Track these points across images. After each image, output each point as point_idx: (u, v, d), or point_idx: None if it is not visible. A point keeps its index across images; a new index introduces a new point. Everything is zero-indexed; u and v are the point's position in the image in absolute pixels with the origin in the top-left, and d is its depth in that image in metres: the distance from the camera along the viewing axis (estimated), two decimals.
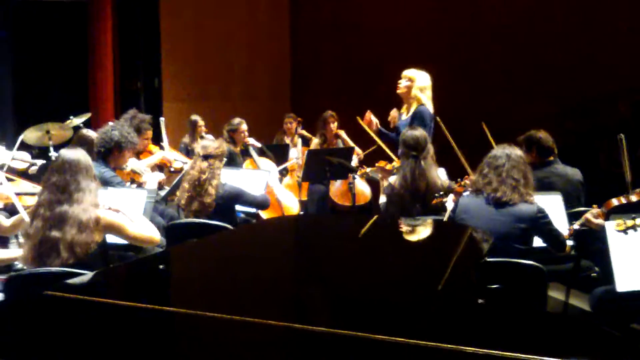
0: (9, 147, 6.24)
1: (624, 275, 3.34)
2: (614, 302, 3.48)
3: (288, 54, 9.95)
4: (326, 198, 6.52)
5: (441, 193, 4.40)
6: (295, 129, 7.68)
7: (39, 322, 2.29)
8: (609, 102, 7.70)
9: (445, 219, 4.22)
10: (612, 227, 3.45)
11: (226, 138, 6.48)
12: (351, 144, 6.83)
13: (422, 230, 4.01)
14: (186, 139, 7.29)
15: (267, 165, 6.51)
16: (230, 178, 4.81)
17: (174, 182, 5.05)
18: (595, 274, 4.25)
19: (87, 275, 2.92)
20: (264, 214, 5.54)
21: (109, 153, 4.72)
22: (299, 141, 7.54)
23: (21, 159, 6.02)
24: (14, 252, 3.65)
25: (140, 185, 4.98)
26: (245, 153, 6.71)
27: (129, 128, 5.04)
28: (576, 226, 3.91)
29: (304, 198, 6.59)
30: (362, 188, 6.48)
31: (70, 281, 2.85)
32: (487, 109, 5.51)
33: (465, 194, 4.16)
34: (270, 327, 2.10)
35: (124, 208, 3.50)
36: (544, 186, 4.46)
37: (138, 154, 5.55)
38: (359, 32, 9.14)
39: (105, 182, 4.20)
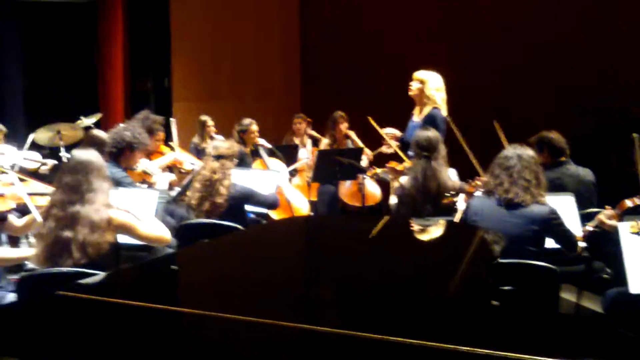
0: (20, 147, 6.27)
1: (637, 277, 3.32)
2: (627, 304, 3.45)
3: (298, 54, 9.94)
4: (336, 199, 6.52)
5: (452, 193, 4.39)
6: (304, 129, 7.68)
7: (51, 322, 2.29)
8: (620, 101, 7.67)
9: (456, 219, 4.21)
10: (625, 229, 3.42)
11: (236, 138, 6.48)
12: (361, 144, 6.82)
13: (434, 231, 4.00)
14: (196, 139, 7.30)
15: (276, 165, 6.50)
16: (241, 178, 4.81)
17: (185, 182, 5.05)
18: (607, 276, 4.23)
19: (99, 276, 2.93)
20: (274, 215, 5.54)
21: (120, 153, 4.74)
22: (309, 142, 7.54)
23: (32, 159, 6.05)
24: (26, 251, 3.67)
25: (151, 185, 4.99)
26: (255, 153, 6.71)
27: (141, 129, 5.05)
28: (589, 227, 3.88)
29: (314, 199, 6.59)
30: (372, 189, 6.47)
31: (82, 281, 2.86)
32: (498, 109, 5.48)
33: (476, 194, 4.15)
34: (281, 328, 2.10)
35: (134, 208, 3.51)
36: (556, 187, 4.43)
37: (149, 155, 5.56)
38: (369, 32, 9.13)
39: (117, 183, 4.20)
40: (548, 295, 3.45)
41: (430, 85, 5.48)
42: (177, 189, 5.25)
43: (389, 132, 5.73)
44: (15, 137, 6.73)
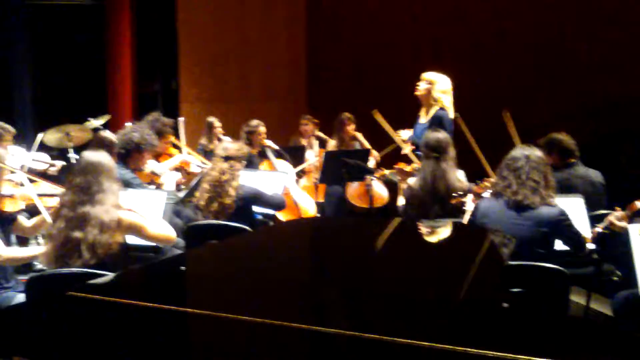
0: (29, 148, 6.29)
1: None
2: (637, 307, 3.43)
3: (304, 56, 9.94)
4: (343, 200, 6.51)
5: (460, 193, 4.37)
6: (311, 131, 7.68)
7: (61, 322, 2.30)
8: (630, 103, 7.64)
9: (464, 221, 4.20)
10: (635, 230, 3.41)
11: (244, 140, 6.48)
12: (368, 146, 6.81)
13: (443, 233, 3.98)
14: (203, 141, 7.30)
15: (284, 167, 6.51)
16: (248, 180, 4.82)
17: (193, 183, 5.06)
18: (617, 278, 4.20)
19: (109, 276, 2.93)
20: (281, 216, 5.54)
21: (128, 154, 4.76)
22: (316, 143, 7.54)
23: (40, 160, 6.07)
24: (35, 249, 3.68)
25: (159, 186, 5.00)
26: (263, 155, 6.72)
27: (149, 130, 5.07)
28: (599, 229, 3.86)
29: (321, 200, 6.59)
30: (380, 190, 6.46)
31: (92, 282, 2.86)
32: (509, 109, 5.46)
33: (484, 195, 4.13)
34: (288, 329, 2.10)
35: (142, 208, 3.52)
36: (565, 188, 4.42)
37: (157, 157, 5.57)
38: (376, 33, 9.12)
39: (126, 184, 4.22)
40: (558, 297, 3.43)
41: (438, 87, 5.46)
42: (185, 190, 5.26)
43: (401, 134, 5.72)
44: (24, 139, 6.75)
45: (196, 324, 2.27)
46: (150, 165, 5.04)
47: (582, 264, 4.11)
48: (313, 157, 6.98)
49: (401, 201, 4.82)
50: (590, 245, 3.90)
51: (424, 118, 5.57)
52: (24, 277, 3.82)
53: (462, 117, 5.40)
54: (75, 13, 9.61)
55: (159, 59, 9.78)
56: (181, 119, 6.55)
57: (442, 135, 4.65)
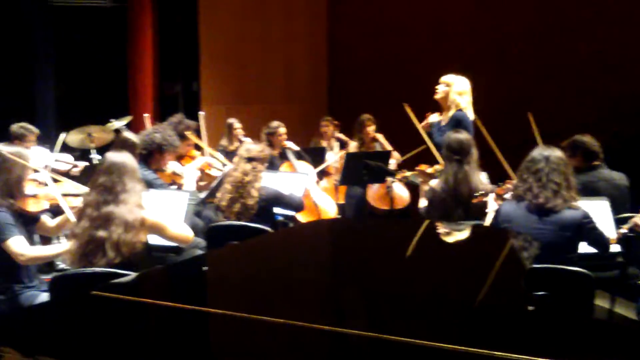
0: (52, 149, 6.35)
1: None
2: None
3: (325, 57, 9.95)
4: (364, 201, 6.50)
5: (482, 192, 4.33)
6: (332, 132, 7.67)
7: (84, 322, 2.31)
8: None
9: (486, 222, 4.16)
10: None
11: (264, 141, 6.49)
12: (389, 147, 6.79)
13: (465, 235, 3.96)
14: (224, 142, 7.32)
15: (304, 168, 6.50)
16: (269, 181, 4.82)
17: (214, 184, 5.07)
18: None
19: (131, 276, 2.95)
20: (302, 217, 5.54)
21: (150, 155, 4.80)
22: (336, 144, 7.53)
23: (64, 161, 6.12)
24: (59, 247, 3.71)
25: (180, 187, 5.02)
26: (283, 156, 6.72)
27: (172, 131, 5.09)
28: (623, 230, 3.81)
29: (342, 201, 6.57)
30: (400, 192, 6.43)
31: (115, 281, 2.88)
32: (532, 111, 5.41)
33: (506, 196, 4.09)
34: (308, 330, 2.09)
35: (162, 208, 3.55)
36: (590, 191, 4.36)
37: (180, 159, 5.59)
38: (397, 34, 9.10)
39: (148, 184, 4.23)
40: (582, 300, 3.39)
41: (455, 89, 5.44)
42: (206, 191, 5.27)
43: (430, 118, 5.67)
44: (47, 139, 6.81)
45: (217, 324, 2.27)
46: (171, 166, 5.06)
47: (606, 267, 4.06)
48: (333, 158, 6.97)
49: (422, 203, 4.79)
50: (615, 247, 3.85)
51: (444, 121, 5.55)
52: (47, 277, 3.86)
53: (482, 120, 5.35)
54: (98, 15, 9.68)
55: (180, 60, 9.83)
56: (201, 113, 6.55)
57: (463, 136, 4.61)
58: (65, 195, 3.93)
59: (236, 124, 7.27)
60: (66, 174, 5.61)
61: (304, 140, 7.61)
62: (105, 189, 3.30)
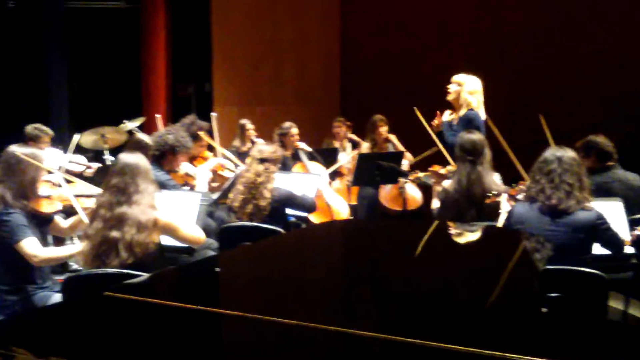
0: (65, 150, 6.38)
1: None
2: None
3: (338, 58, 9.94)
4: (376, 202, 6.49)
5: (494, 193, 4.30)
6: (344, 133, 7.66)
7: (97, 322, 2.32)
8: None
9: (499, 224, 4.14)
10: None
11: (277, 142, 6.49)
12: (401, 148, 6.77)
13: (477, 237, 3.94)
14: (236, 143, 7.33)
15: (316, 169, 6.50)
16: (281, 182, 4.82)
17: (226, 185, 5.08)
18: None
19: (144, 277, 2.95)
20: (314, 218, 5.54)
21: (163, 156, 4.81)
22: (349, 145, 7.52)
23: (77, 162, 6.15)
24: (73, 248, 3.73)
25: (192, 188, 5.03)
26: (296, 157, 6.72)
27: (184, 132, 5.11)
28: (638, 232, 3.78)
29: (354, 202, 6.56)
30: (413, 193, 6.41)
31: (128, 282, 2.89)
32: (545, 112, 5.38)
33: (518, 197, 4.07)
34: (320, 331, 2.09)
35: (174, 209, 3.56)
36: (604, 192, 4.32)
37: (192, 160, 5.61)
38: (410, 34, 9.09)
39: (161, 185, 4.25)
40: (596, 302, 3.36)
41: (467, 88, 5.42)
42: (219, 192, 5.28)
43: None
44: (61, 140, 6.85)
45: (230, 325, 2.27)
46: (184, 167, 5.08)
47: (620, 268, 4.02)
48: (346, 159, 6.97)
49: (435, 204, 4.77)
50: (629, 249, 3.81)
51: (455, 121, 5.53)
52: (60, 277, 3.88)
53: (494, 120, 5.33)
54: (111, 16, 9.73)
55: (193, 61, 9.86)
56: (214, 115, 6.56)
57: (477, 137, 4.58)
58: (78, 196, 3.95)
59: (248, 125, 7.28)
60: (80, 175, 5.65)
61: (316, 141, 7.61)
62: (118, 190, 3.31)
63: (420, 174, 5.59)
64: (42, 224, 3.72)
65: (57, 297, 3.57)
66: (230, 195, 4.70)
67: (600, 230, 3.58)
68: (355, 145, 7.46)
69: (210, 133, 6.16)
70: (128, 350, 2.05)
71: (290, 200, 4.74)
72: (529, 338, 2.17)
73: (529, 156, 4.08)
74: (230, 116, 8.33)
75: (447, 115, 5.57)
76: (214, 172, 5.52)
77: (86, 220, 3.54)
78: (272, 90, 9.54)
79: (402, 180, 5.94)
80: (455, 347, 1.91)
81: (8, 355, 1.97)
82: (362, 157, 6.15)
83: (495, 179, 4.57)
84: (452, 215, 4.47)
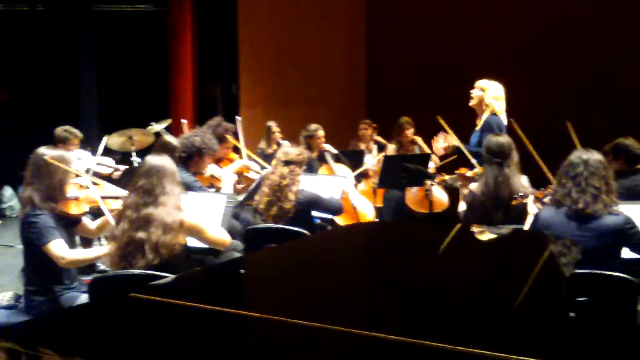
0: (94, 152, 6.45)
1: None
2: None
3: (364, 60, 9.94)
4: (402, 205, 6.46)
5: (521, 194, 4.26)
6: (370, 135, 7.65)
7: (123, 324, 2.33)
8: None
9: (526, 226, 4.10)
10: None
11: (303, 144, 6.50)
12: (428, 150, 6.73)
13: (504, 239, 3.90)
14: (262, 145, 7.36)
15: (342, 171, 6.49)
16: (307, 184, 4.82)
17: (252, 187, 5.09)
18: None
19: (170, 278, 2.97)
20: (340, 220, 5.53)
21: (189, 158, 4.84)
22: (375, 147, 7.50)
23: (106, 164, 6.21)
24: (98, 250, 3.76)
25: (218, 190, 5.05)
26: (321, 159, 6.71)
27: (211, 134, 5.14)
28: None
29: (380, 204, 6.54)
30: (439, 195, 6.38)
31: (153, 283, 2.90)
32: (571, 114, 5.33)
33: (545, 199, 4.02)
34: (345, 335, 2.09)
35: (200, 211, 3.57)
36: (633, 195, 4.26)
37: (218, 162, 5.63)
38: (436, 36, 9.04)
39: (187, 187, 4.27)
40: (625, 307, 3.31)
41: (489, 94, 5.46)
42: (245, 194, 5.30)
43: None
44: (89, 143, 6.93)
45: (254, 327, 2.28)
46: (210, 169, 5.10)
47: None
48: (372, 161, 6.95)
49: (462, 207, 4.74)
50: None
51: (477, 125, 5.55)
52: (87, 278, 3.91)
53: (520, 124, 5.28)
54: (139, 19, 9.83)
55: (219, 63, 9.92)
56: (238, 119, 6.60)
57: (504, 139, 4.54)
58: (105, 197, 3.98)
59: (274, 127, 7.30)
60: (107, 178, 5.70)
61: (342, 142, 7.60)
62: (145, 192, 3.33)
63: (447, 177, 5.57)
64: (69, 225, 3.75)
65: (84, 298, 3.59)
66: (256, 198, 4.71)
67: (628, 234, 3.52)
68: (381, 148, 7.44)
69: (236, 135, 6.18)
70: (153, 351, 2.06)
71: (316, 203, 4.73)
72: (557, 342, 2.15)
73: (556, 160, 4.04)
74: (256, 118, 8.36)
75: (441, 142, 5.57)
76: (240, 174, 5.54)
77: (113, 221, 3.57)
78: (298, 92, 9.55)
79: (428, 182, 5.91)
80: (482, 351, 1.90)
81: (35, 356, 1.99)
82: (388, 159, 6.13)
83: (523, 182, 4.53)
84: (479, 218, 4.44)
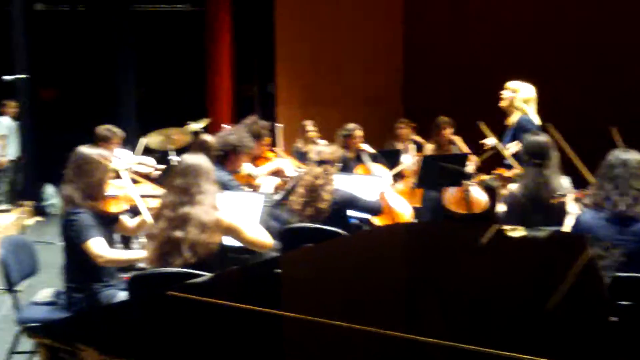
0: (132, 150, 6.53)
1: None
2: None
3: (401, 59, 9.89)
4: (440, 205, 6.40)
5: (560, 193, 4.18)
6: (408, 134, 7.59)
7: (160, 321, 2.34)
8: None
9: (566, 227, 4.02)
10: None
11: (340, 143, 6.47)
12: (466, 150, 6.66)
13: (543, 241, 3.83)
14: (299, 144, 7.36)
15: (379, 171, 6.45)
16: (344, 183, 4.80)
17: (288, 186, 5.09)
18: None
19: (206, 277, 2.98)
20: (377, 220, 5.49)
21: (225, 157, 4.85)
22: (412, 147, 7.44)
23: (146, 164, 6.27)
24: (136, 253, 3.79)
25: (255, 189, 5.06)
26: (358, 159, 6.68)
27: (247, 133, 5.14)
28: None
29: (417, 205, 6.48)
30: (478, 196, 6.29)
31: (190, 282, 2.91)
32: (612, 115, 5.24)
33: (585, 200, 3.94)
34: (380, 336, 2.06)
35: (237, 210, 3.56)
36: None
37: (254, 160, 5.64)
38: (474, 35, 8.96)
39: (224, 186, 4.28)
40: None
41: (520, 95, 5.44)
42: (281, 194, 5.30)
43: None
44: (129, 142, 7.01)
45: (290, 327, 2.27)
46: (246, 167, 5.11)
47: None
48: (409, 161, 6.89)
49: (501, 208, 4.67)
50: None
51: (509, 126, 5.50)
52: (126, 275, 3.94)
53: (556, 124, 5.20)
54: (177, 19, 9.92)
55: (256, 63, 9.96)
56: (279, 126, 6.61)
57: (543, 139, 4.47)
58: (144, 196, 4.02)
59: (310, 126, 7.29)
60: (147, 176, 5.75)
61: (379, 142, 7.57)
62: (181, 191, 3.35)
63: (486, 177, 5.50)
64: (108, 223, 3.80)
65: (122, 295, 3.63)
66: (292, 198, 4.70)
67: None
68: (419, 147, 7.39)
69: (271, 132, 6.19)
70: (189, 349, 2.07)
71: (352, 202, 4.71)
72: (598, 347, 2.10)
73: (597, 161, 3.96)
74: (292, 117, 8.37)
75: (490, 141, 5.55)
76: (277, 172, 5.54)
77: (150, 220, 3.59)
78: (335, 91, 9.54)
79: (466, 182, 5.83)
80: (521, 355, 1.86)
81: (72, 352, 2.01)
82: (426, 159, 6.08)
83: (564, 183, 4.44)
84: (518, 220, 4.37)
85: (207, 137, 5.40)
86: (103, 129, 6.14)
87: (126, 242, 5.43)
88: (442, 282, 2.87)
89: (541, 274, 3.05)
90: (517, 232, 4.08)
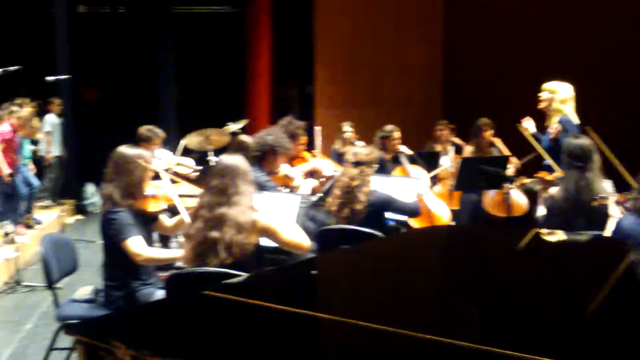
0: (172, 151, 6.59)
1: None
2: None
3: (440, 60, 9.82)
4: (479, 208, 6.33)
5: (602, 196, 4.10)
6: (446, 136, 7.53)
7: (196, 320, 2.35)
8: None
9: (607, 231, 3.94)
10: None
11: (378, 145, 6.45)
12: (507, 152, 6.58)
13: (583, 246, 3.76)
14: (337, 145, 7.36)
15: (418, 173, 6.40)
16: (381, 185, 4.77)
17: (325, 188, 5.09)
18: None
19: (242, 277, 2.99)
20: (414, 222, 5.45)
21: (263, 157, 4.86)
22: (451, 149, 7.37)
23: (186, 165, 6.33)
24: (175, 252, 3.81)
25: (292, 189, 5.06)
26: (396, 161, 6.64)
27: (283, 133, 5.15)
28: None
29: (456, 207, 6.42)
30: (518, 199, 6.21)
31: (226, 282, 2.92)
32: None
33: (626, 204, 3.85)
34: (415, 340, 2.05)
35: (274, 211, 3.56)
36: None
37: (291, 160, 5.65)
38: (514, 37, 8.85)
39: (261, 186, 4.29)
40: None
41: (559, 96, 5.38)
42: (318, 195, 5.30)
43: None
44: (168, 142, 7.09)
45: (325, 329, 2.26)
46: (283, 168, 5.12)
47: None
48: (448, 163, 6.83)
49: (541, 211, 4.59)
50: None
51: (549, 128, 5.41)
52: (164, 274, 3.98)
53: (596, 127, 5.10)
54: (217, 20, 10.00)
55: (295, 64, 9.98)
56: (317, 128, 6.61)
57: (585, 141, 4.39)
58: (182, 196, 4.05)
59: (347, 127, 7.28)
60: (185, 177, 5.80)
61: (418, 144, 7.51)
62: (219, 191, 3.36)
63: (526, 180, 5.42)
64: (147, 222, 3.83)
65: (160, 294, 3.66)
66: (328, 199, 4.69)
67: None
68: (458, 149, 7.32)
69: (308, 132, 6.19)
70: (224, 349, 2.07)
71: (389, 204, 4.68)
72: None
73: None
74: (331, 118, 8.37)
75: (530, 124, 5.47)
76: (316, 173, 5.53)
77: (188, 220, 3.62)
78: (374, 93, 9.51)
79: (506, 185, 5.75)
80: None
81: (109, 350, 2.03)
82: (465, 161, 6.01)
83: (606, 187, 4.35)
84: (559, 224, 4.29)
85: (245, 138, 5.43)
86: (145, 130, 6.21)
87: (165, 241, 5.48)
88: (479, 286, 2.84)
89: (580, 280, 2.99)
90: (556, 236, 4.01)
